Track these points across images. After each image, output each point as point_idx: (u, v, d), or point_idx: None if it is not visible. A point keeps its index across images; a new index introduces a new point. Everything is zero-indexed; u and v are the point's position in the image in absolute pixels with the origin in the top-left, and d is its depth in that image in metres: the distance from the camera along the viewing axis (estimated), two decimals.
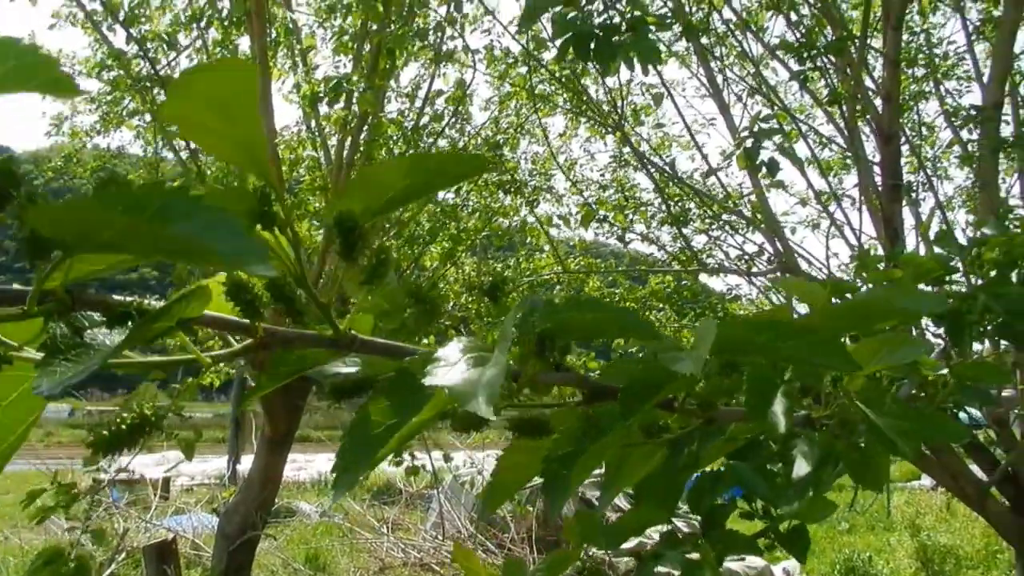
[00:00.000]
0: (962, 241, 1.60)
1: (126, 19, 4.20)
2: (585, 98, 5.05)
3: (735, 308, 5.85)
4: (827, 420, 0.83)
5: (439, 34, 4.27)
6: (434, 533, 8.23)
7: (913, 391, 1.36)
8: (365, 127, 4.59)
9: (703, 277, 6.31)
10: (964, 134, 4.70)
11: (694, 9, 5.00)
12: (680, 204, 5.22)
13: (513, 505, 7.52)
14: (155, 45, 4.52)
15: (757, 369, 0.63)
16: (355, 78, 4.26)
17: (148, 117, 4.97)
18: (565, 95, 5.56)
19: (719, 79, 5.14)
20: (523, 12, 2.45)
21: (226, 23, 4.79)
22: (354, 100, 3.98)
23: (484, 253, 6.43)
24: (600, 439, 0.57)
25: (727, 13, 5.11)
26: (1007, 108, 4.63)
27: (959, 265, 1.64)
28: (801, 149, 5.61)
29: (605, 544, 0.97)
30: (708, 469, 1.01)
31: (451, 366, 0.50)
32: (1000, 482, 4.52)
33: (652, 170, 4.80)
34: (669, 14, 4.56)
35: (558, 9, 2.50)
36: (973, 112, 3.43)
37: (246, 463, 7.53)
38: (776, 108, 5.24)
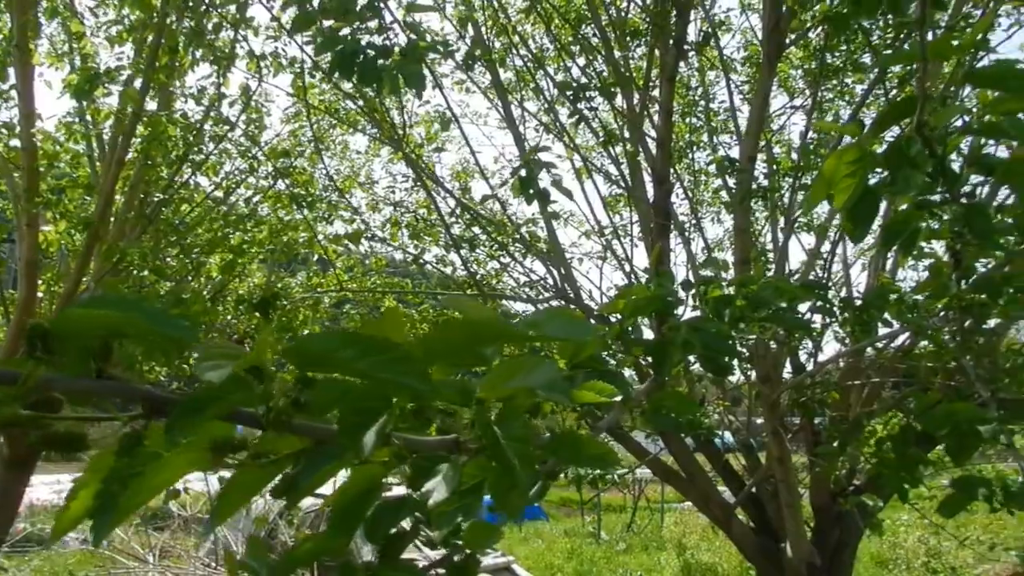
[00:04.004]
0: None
1: None
2: (374, 115, 5.01)
3: None
4: (475, 443, 0.83)
5: (217, 35, 4.06)
6: (208, 560, 7.78)
7: (620, 418, 1.44)
8: (140, 124, 4.29)
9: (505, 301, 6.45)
10: (731, 182, 5.15)
11: (495, 43, 5.13)
12: (470, 229, 5.30)
13: (293, 528, 7.29)
14: None
15: (366, 387, 0.60)
16: (129, 72, 3.96)
17: None
18: (357, 110, 5.49)
19: (516, 112, 5.30)
20: (291, 24, 2.37)
21: None
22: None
23: (274, 266, 6.19)
24: (152, 459, 0.52)
25: (525, 51, 5.30)
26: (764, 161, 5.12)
27: (682, 299, 1.78)
28: (590, 185, 5.92)
29: None
30: (391, 495, 1.00)
31: None
32: (744, 504, 4.93)
33: (441, 194, 4.83)
34: (467, 43, 4.65)
35: (329, 23, 2.45)
36: (727, 164, 3.74)
37: None
38: (567, 144, 5.49)
